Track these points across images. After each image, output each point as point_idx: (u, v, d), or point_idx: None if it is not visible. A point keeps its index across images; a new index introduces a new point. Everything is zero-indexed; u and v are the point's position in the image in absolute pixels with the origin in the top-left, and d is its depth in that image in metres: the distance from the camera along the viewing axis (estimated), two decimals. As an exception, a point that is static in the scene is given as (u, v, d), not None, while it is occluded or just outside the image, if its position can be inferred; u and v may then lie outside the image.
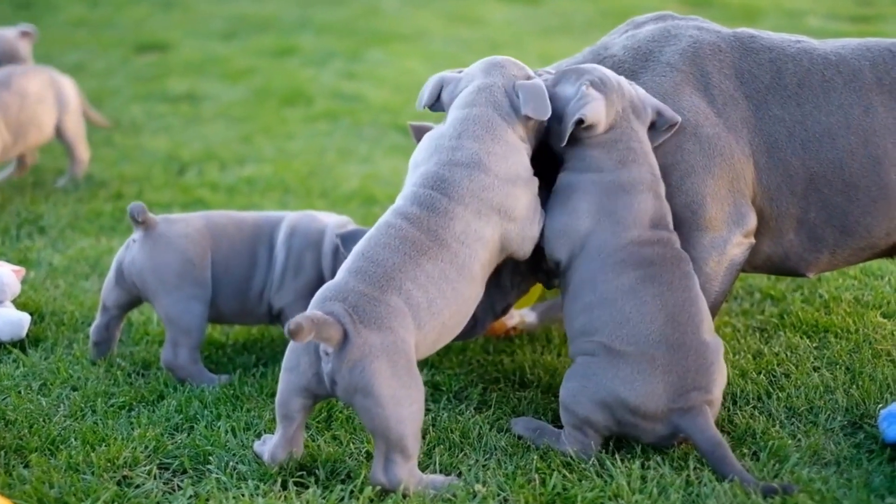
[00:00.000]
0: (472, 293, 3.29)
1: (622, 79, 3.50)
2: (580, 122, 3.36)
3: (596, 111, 3.38)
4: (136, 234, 3.92)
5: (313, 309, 3.07)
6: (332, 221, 4.04)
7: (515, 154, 3.39)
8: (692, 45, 3.67)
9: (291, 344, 3.12)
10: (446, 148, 3.38)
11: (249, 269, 3.97)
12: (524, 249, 3.42)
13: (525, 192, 3.38)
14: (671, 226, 3.42)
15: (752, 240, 3.62)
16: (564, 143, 3.41)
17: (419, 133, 3.80)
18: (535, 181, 3.43)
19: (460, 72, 3.58)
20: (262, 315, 4.01)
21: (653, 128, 3.51)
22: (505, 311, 3.74)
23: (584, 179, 3.40)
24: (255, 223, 4.05)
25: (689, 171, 3.54)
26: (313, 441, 3.38)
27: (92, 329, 4.07)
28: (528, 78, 3.50)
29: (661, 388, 3.19)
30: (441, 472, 3.24)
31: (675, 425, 3.20)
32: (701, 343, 3.25)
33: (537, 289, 4.07)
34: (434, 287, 3.18)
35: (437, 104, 3.58)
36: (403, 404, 3.03)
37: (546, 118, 3.39)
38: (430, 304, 3.16)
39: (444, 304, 3.19)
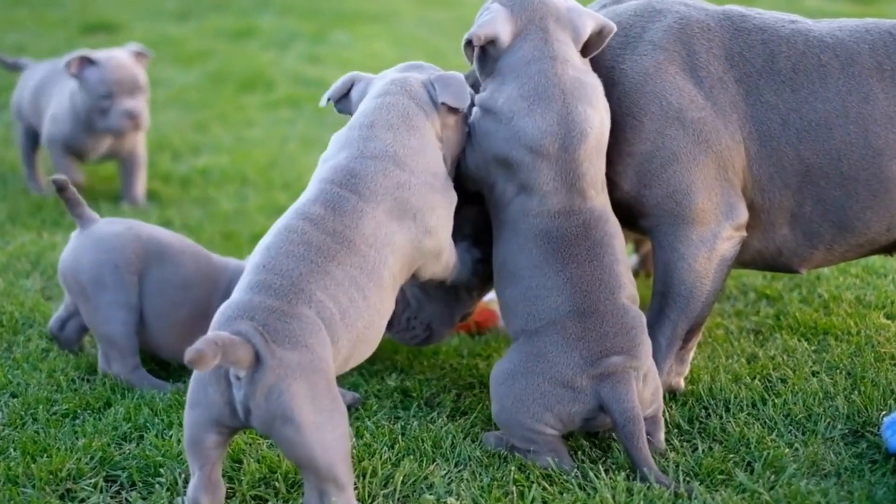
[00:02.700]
0: (384, 303, 3.22)
1: None
2: (469, 42, 3.41)
3: (488, 23, 3.40)
4: (74, 231, 3.94)
5: (216, 330, 2.91)
6: None
7: (433, 152, 3.37)
8: (678, 21, 3.64)
9: (194, 376, 2.96)
10: (356, 139, 3.32)
11: (203, 309, 3.86)
12: (436, 271, 3.40)
13: (442, 203, 3.34)
14: (587, 187, 3.39)
15: (744, 233, 3.62)
16: (472, 65, 3.47)
17: None
18: (454, 196, 3.40)
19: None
20: None
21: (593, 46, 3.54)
22: (464, 318, 3.79)
23: (493, 124, 3.41)
24: (219, 265, 4.00)
25: (672, 158, 3.52)
26: (271, 450, 3.36)
27: (51, 320, 4.10)
28: None
29: (576, 354, 3.25)
30: (411, 484, 3.23)
31: (599, 395, 3.23)
32: (618, 307, 3.31)
33: None
34: (345, 296, 3.09)
35: (344, 102, 3.56)
36: (327, 429, 2.91)
37: (465, 106, 3.40)
38: (342, 315, 3.07)
39: (357, 314, 3.11)
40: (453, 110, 3.41)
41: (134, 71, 5.63)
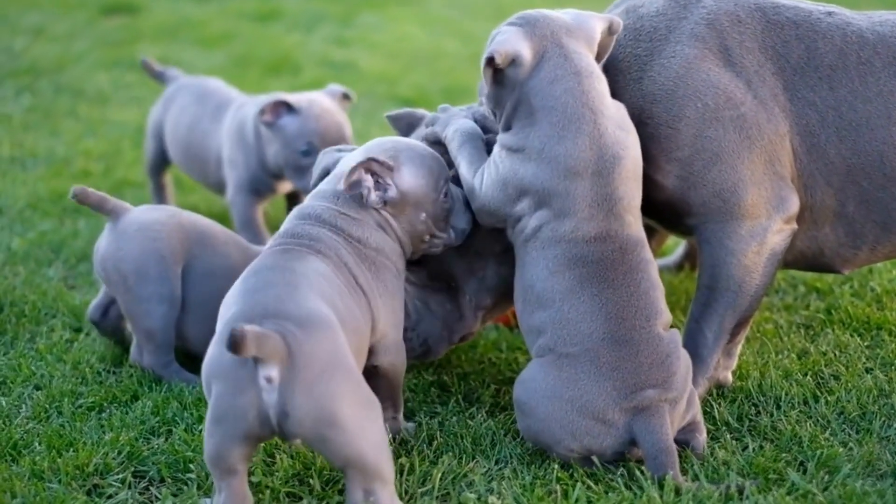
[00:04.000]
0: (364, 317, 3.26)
1: (545, 10, 3.46)
2: (490, 59, 3.32)
3: (508, 41, 3.34)
4: (108, 222, 3.91)
5: (223, 351, 2.84)
6: None
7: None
8: (706, 16, 3.58)
9: (218, 389, 2.90)
10: None
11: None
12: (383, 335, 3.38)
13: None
14: (624, 212, 3.34)
15: (795, 225, 3.58)
16: (488, 89, 3.39)
17: (398, 123, 3.82)
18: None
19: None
20: None
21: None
22: (464, 339, 3.79)
23: (521, 163, 3.34)
24: (255, 253, 3.95)
25: (715, 158, 3.49)
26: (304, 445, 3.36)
27: (90, 306, 4.08)
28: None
29: (609, 385, 3.21)
30: (450, 482, 3.22)
31: (630, 428, 3.21)
32: (653, 336, 3.27)
33: None
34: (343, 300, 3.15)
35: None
36: (370, 425, 2.91)
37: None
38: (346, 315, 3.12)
39: (353, 319, 3.16)
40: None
41: (338, 119, 4.97)
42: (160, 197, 5.59)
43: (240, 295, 3.04)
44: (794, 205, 3.55)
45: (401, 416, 3.51)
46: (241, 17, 9.79)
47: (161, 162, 5.56)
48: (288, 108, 4.85)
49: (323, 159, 3.67)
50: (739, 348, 3.74)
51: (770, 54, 3.56)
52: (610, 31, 3.46)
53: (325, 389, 2.83)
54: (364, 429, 2.89)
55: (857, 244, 3.68)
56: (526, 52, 3.32)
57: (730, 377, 3.72)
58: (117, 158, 6.28)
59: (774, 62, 3.56)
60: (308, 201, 3.43)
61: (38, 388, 3.79)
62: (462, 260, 3.62)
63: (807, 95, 3.55)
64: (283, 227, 3.36)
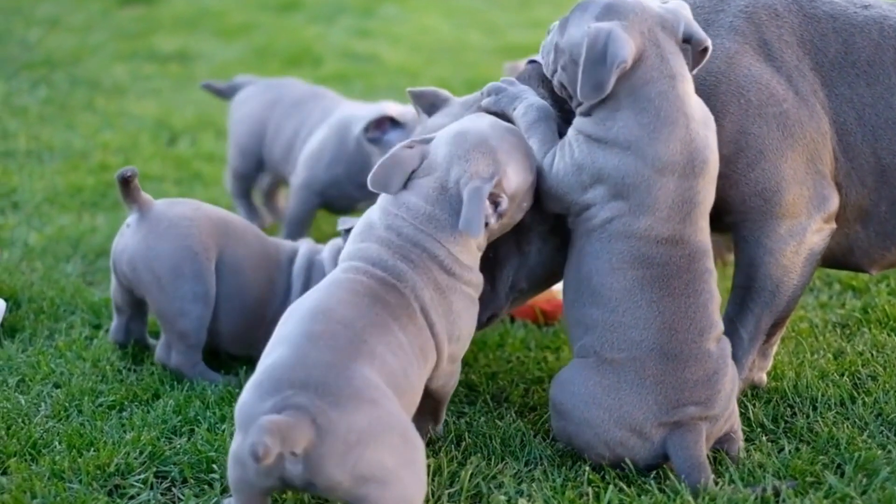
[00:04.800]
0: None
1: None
2: (622, 63, 3.18)
3: (621, 47, 3.17)
4: (130, 218, 3.87)
5: (256, 401, 2.81)
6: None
7: None
8: (744, 9, 3.57)
9: (231, 455, 2.85)
10: None
11: (266, 292, 3.89)
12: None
13: None
14: (699, 217, 3.29)
15: (834, 225, 3.56)
16: (606, 93, 3.21)
17: (421, 101, 3.76)
18: None
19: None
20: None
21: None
22: (491, 320, 3.67)
23: (602, 152, 3.27)
24: (274, 244, 3.99)
25: (758, 156, 3.47)
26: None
27: (111, 329, 4.06)
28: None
29: (651, 400, 3.19)
30: (479, 483, 3.22)
31: (665, 443, 3.20)
32: (703, 352, 3.23)
33: None
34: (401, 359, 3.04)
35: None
36: (410, 478, 2.86)
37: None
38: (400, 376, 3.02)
39: (410, 376, 3.06)
40: None
41: None
42: (252, 216, 5.41)
43: (298, 337, 2.93)
44: (834, 204, 3.53)
45: (439, 427, 3.49)
46: (260, 8, 9.81)
47: (254, 177, 5.41)
48: (393, 122, 4.76)
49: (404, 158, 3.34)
50: (775, 349, 3.73)
51: (808, 48, 3.54)
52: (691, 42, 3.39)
53: (359, 457, 2.77)
54: (404, 478, 2.84)
55: (886, 245, 3.66)
56: (631, 56, 3.21)
57: (764, 378, 3.71)
58: (136, 152, 6.29)
59: (812, 57, 3.54)
60: (391, 210, 3.25)
61: (57, 385, 3.80)
62: (509, 232, 3.53)
63: (844, 92, 3.53)
64: (361, 244, 3.23)
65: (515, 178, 3.26)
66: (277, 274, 3.93)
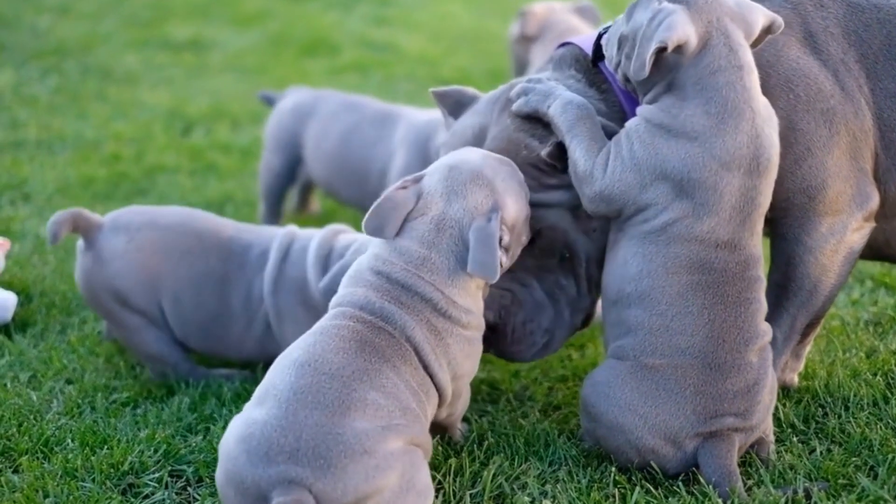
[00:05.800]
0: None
1: None
2: (663, 49, 3.19)
3: (677, 25, 3.18)
4: (79, 242, 3.86)
5: (248, 465, 2.80)
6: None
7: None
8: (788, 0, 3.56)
9: (226, 495, 2.86)
10: None
11: (220, 304, 3.83)
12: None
13: None
14: (757, 221, 3.28)
15: (873, 223, 3.54)
16: (647, 73, 3.21)
17: (445, 101, 3.72)
18: None
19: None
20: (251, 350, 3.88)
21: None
22: (586, 323, 3.62)
23: (667, 143, 3.28)
24: (242, 240, 3.88)
25: (805, 153, 3.45)
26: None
27: (104, 329, 4.09)
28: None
29: (689, 409, 3.17)
30: (502, 484, 3.21)
31: (697, 452, 3.18)
32: (745, 364, 3.21)
33: None
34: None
35: None
36: (415, 499, 2.89)
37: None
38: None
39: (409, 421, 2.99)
40: None
41: None
42: (275, 219, 5.39)
43: (285, 392, 2.88)
44: (875, 201, 3.51)
45: (458, 433, 3.48)
46: (276, -5, 9.82)
47: (289, 181, 5.40)
48: None
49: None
50: (808, 349, 3.71)
51: (853, 40, 3.52)
52: (770, 29, 3.36)
53: None
54: (407, 501, 2.87)
55: (923, 238, 3.64)
56: (693, 38, 3.21)
57: (796, 379, 3.69)
58: (148, 142, 6.30)
59: (857, 48, 3.52)
60: (383, 255, 3.20)
61: (70, 382, 3.80)
62: (571, 214, 3.52)
63: (888, 86, 3.50)
64: (349, 289, 3.21)
65: (514, 209, 3.24)
66: (238, 274, 3.83)
